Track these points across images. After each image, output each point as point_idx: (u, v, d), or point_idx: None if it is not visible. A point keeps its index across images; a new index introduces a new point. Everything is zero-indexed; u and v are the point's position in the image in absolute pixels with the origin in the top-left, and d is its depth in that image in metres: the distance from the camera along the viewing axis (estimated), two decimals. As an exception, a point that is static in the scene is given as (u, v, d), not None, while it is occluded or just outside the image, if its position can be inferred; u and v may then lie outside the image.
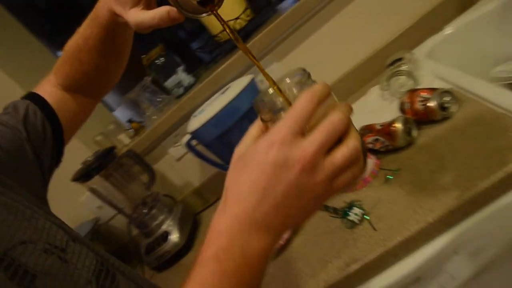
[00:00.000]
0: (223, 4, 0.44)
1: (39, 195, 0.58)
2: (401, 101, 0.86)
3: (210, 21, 1.19)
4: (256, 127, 0.42)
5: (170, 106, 1.22)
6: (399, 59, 0.98)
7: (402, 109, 0.85)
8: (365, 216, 0.72)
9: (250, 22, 1.17)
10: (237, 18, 1.12)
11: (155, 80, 1.26)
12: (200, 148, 1.12)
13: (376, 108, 1.00)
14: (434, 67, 0.94)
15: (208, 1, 0.41)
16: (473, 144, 0.69)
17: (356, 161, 0.37)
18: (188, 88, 1.23)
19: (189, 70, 1.25)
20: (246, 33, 1.18)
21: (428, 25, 1.08)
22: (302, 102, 0.35)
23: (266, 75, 0.42)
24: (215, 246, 0.37)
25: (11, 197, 0.47)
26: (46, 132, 0.59)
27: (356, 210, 0.73)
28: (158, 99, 1.26)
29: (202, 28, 1.25)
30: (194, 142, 1.10)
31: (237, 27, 1.13)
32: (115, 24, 0.53)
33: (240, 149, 0.41)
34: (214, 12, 0.42)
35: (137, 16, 0.46)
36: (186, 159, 1.24)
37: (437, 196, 0.65)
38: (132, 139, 1.24)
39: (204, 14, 0.43)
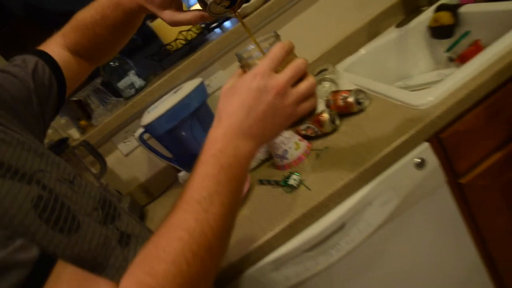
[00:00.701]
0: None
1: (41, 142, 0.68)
2: (326, 99, 1.11)
3: (162, 31, 1.36)
4: (237, 73, 0.59)
5: (120, 106, 1.34)
6: (324, 70, 1.24)
7: (327, 105, 1.10)
8: (302, 182, 0.92)
9: (200, 35, 1.36)
10: (189, 30, 1.31)
11: (105, 82, 1.38)
12: (150, 143, 1.26)
13: (307, 109, 1.24)
14: (351, 77, 1.22)
15: (231, 5, 0.59)
16: (381, 126, 0.94)
17: (313, 94, 0.57)
18: (139, 90, 1.37)
19: (139, 75, 1.39)
20: (196, 43, 1.37)
21: (346, 47, 1.38)
22: (277, 49, 0.54)
23: (252, 37, 0.61)
24: (213, 148, 0.52)
25: (22, 136, 0.57)
26: (52, 88, 0.69)
27: (294, 176, 0.93)
28: (108, 100, 1.38)
29: (154, 37, 1.41)
30: (146, 136, 1.23)
31: (189, 37, 1.32)
32: (139, 14, 0.68)
33: (227, 85, 0.57)
34: (236, 12, 0.60)
35: (174, 17, 0.64)
36: (134, 155, 1.35)
37: (356, 161, 0.88)
38: (83, 134, 1.33)
39: (227, 14, 0.60)
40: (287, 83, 0.53)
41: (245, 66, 0.59)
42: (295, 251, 0.85)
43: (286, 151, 1.01)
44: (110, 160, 1.33)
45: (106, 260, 0.52)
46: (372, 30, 1.41)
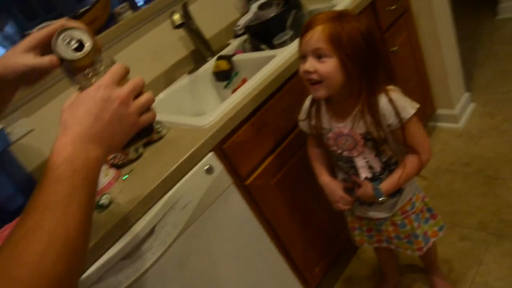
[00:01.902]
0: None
1: None
2: (131, 133, 1.30)
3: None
4: (75, 93, 0.62)
5: None
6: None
7: (132, 137, 1.29)
8: (112, 200, 1.07)
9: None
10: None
11: None
12: None
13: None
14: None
15: (78, 50, 0.63)
16: (177, 146, 1.18)
17: (151, 108, 0.65)
18: None
19: None
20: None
21: (146, 92, 1.62)
22: (117, 66, 0.61)
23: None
24: (63, 154, 0.54)
25: None
26: None
27: (105, 196, 1.08)
28: None
29: None
30: None
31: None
32: None
33: (68, 102, 0.61)
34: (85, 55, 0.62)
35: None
36: None
37: (157, 175, 1.08)
38: None
39: (78, 56, 0.63)
40: (129, 94, 0.60)
41: (83, 87, 0.62)
42: (112, 260, 0.98)
43: (96, 179, 1.14)
44: None
45: None
46: (168, 77, 1.70)
